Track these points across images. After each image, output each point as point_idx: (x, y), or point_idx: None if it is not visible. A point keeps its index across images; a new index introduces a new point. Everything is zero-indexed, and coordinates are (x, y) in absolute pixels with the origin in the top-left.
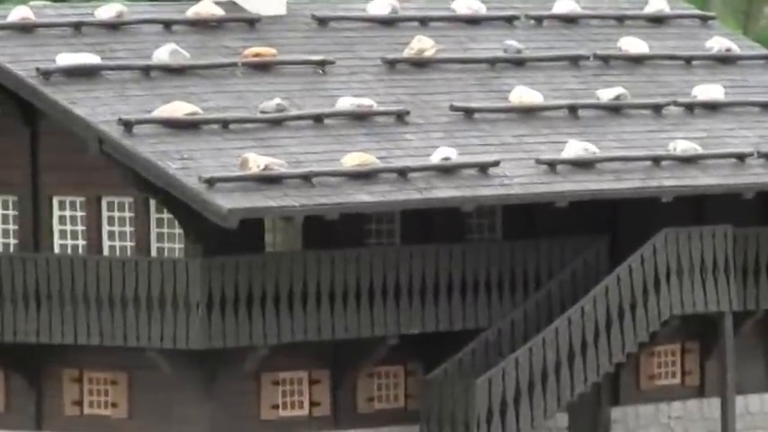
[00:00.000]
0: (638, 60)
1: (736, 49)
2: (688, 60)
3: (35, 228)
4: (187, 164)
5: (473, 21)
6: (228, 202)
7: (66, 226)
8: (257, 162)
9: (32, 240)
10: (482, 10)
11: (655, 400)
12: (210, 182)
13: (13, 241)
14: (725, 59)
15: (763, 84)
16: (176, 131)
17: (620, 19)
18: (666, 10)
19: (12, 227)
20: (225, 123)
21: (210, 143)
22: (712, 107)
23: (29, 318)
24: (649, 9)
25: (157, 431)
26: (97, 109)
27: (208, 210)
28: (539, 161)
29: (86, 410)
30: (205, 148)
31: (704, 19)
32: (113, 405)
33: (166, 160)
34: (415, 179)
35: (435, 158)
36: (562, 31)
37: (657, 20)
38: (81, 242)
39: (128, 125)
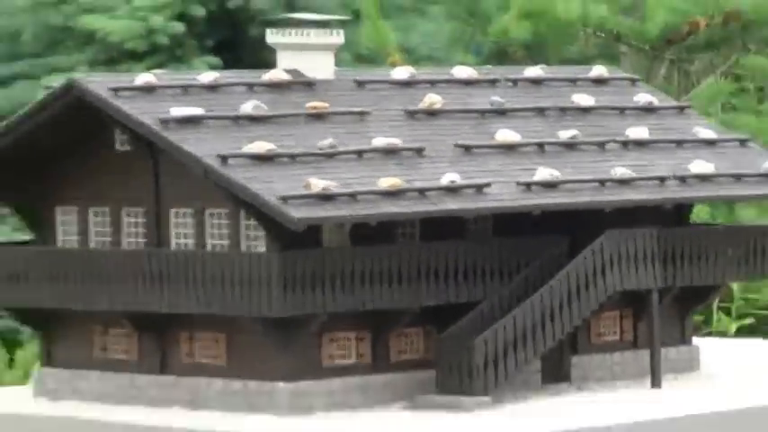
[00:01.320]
0: (586, 110)
1: (655, 102)
2: (622, 110)
3: (158, 231)
4: (267, 185)
5: (468, 82)
6: (297, 213)
7: (180, 229)
8: (317, 185)
9: (156, 240)
10: (474, 75)
11: (602, 351)
12: (284, 199)
13: (142, 240)
14: (648, 109)
15: (675, 126)
16: (259, 163)
17: (573, 81)
18: (605, 74)
19: (141, 230)
20: (293, 157)
21: (283, 171)
22: (641, 143)
23: (155, 295)
24: (593, 73)
25: (247, 375)
26: (201, 147)
27: (283, 218)
28: (518, 183)
29: (196, 360)
30: (280, 174)
31: (632, 80)
32: (215, 357)
33: (253, 183)
34: (430, 196)
35: (444, 181)
36: (531, 89)
37: (599, 81)
38: (191, 240)
39: (224, 159)
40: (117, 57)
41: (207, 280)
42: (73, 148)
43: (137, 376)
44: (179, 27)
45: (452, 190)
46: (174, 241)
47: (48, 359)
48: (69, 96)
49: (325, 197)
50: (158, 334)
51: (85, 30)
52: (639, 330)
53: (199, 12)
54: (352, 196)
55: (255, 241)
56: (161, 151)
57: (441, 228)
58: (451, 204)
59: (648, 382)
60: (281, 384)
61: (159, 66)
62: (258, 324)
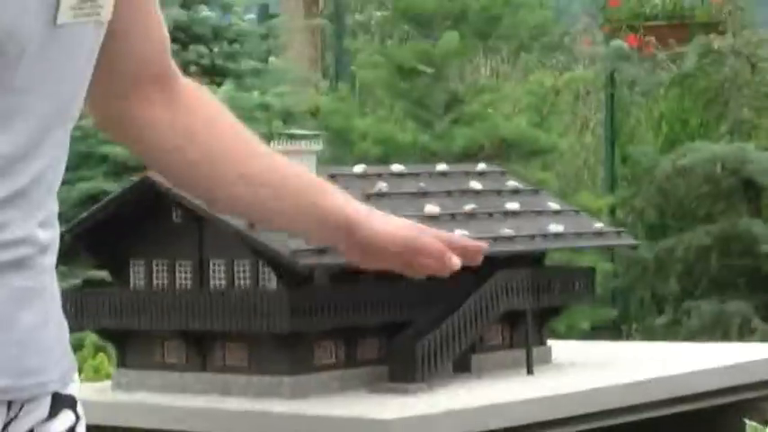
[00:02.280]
0: (478, 192)
1: (520, 186)
2: (499, 192)
3: (201, 276)
4: (281, 243)
5: (400, 174)
6: (303, 261)
7: (216, 275)
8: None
9: (200, 282)
10: (404, 170)
11: (490, 351)
12: (294, 252)
13: (190, 282)
14: (515, 191)
15: (534, 202)
16: (272, 230)
17: (467, 173)
18: (486, 168)
19: (189, 275)
20: None
21: (283, 234)
22: (515, 213)
23: (198, 319)
24: (479, 167)
25: (261, 372)
26: (235, 219)
27: (294, 265)
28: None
29: (227, 363)
30: (287, 235)
31: (502, 172)
32: (240, 360)
33: (272, 242)
34: None
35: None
36: (442, 179)
37: (483, 173)
38: (224, 282)
39: (251, 226)
40: (122, 169)
41: (235, 308)
42: (143, 219)
43: (185, 374)
44: None
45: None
46: (212, 283)
47: (122, 363)
48: (144, 185)
49: (320, 251)
50: (200, 346)
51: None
52: (514, 337)
53: None
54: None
55: (269, 282)
56: (203, 222)
57: (391, 271)
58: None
59: (523, 371)
60: (285, 378)
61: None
62: (271, 337)
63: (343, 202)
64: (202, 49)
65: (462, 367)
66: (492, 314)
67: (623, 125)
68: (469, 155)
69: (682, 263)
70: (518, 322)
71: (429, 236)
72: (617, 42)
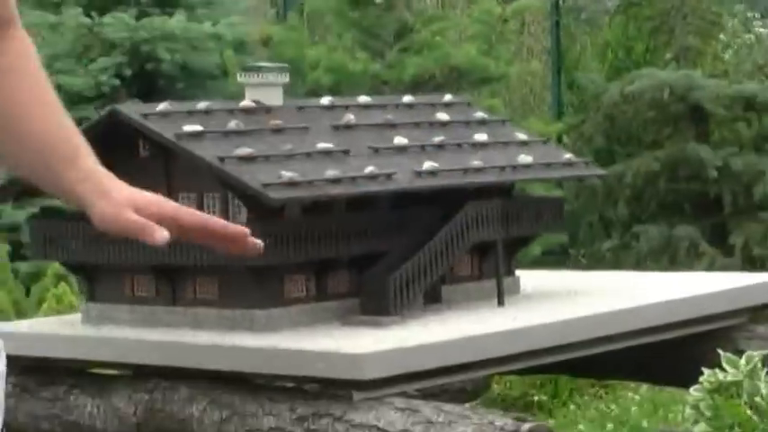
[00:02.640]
0: (445, 123)
1: (486, 117)
2: (467, 123)
3: None
4: (252, 177)
5: (368, 106)
6: (275, 195)
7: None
8: (286, 176)
9: None
10: (371, 101)
11: (459, 282)
12: (265, 185)
13: None
14: (482, 121)
15: (502, 133)
16: (245, 162)
17: (433, 104)
18: (452, 99)
19: None
20: (267, 158)
21: (261, 167)
22: (484, 145)
23: (168, 252)
24: (445, 99)
25: (233, 306)
26: (205, 152)
27: (265, 199)
28: (414, 172)
29: (198, 296)
30: (259, 169)
31: (468, 103)
32: (211, 294)
33: (243, 175)
34: (359, 182)
35: (367, 171)
36: (409, 110)
37: (449, 104)
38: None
39: (221, 159)
40: (77, 99)
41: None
42: (109, 153)
43: (155, 308)
44: (115, 81)
45: (372, 177)
46: None
47: (91, 297)
48: (112, 119)
49: (291, 184)
50: (170, 279)
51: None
52: (483, 268)
53: (128, 71)
54: (309, 183)
55: (239, 216)
56: (171, 156)
57: (362, 204)
58: (373, 187)
59: (494, 302)
60: (257, 312)
61: (104, 106)
62: (243, 270)
63: (82, 176)
64: None
65: (433, 299)
66: (463, 245)
67: (569, 53)
68: (420, 83)
69: (630, 188)
70: (488, 253)
71: (152, 211)
72: None
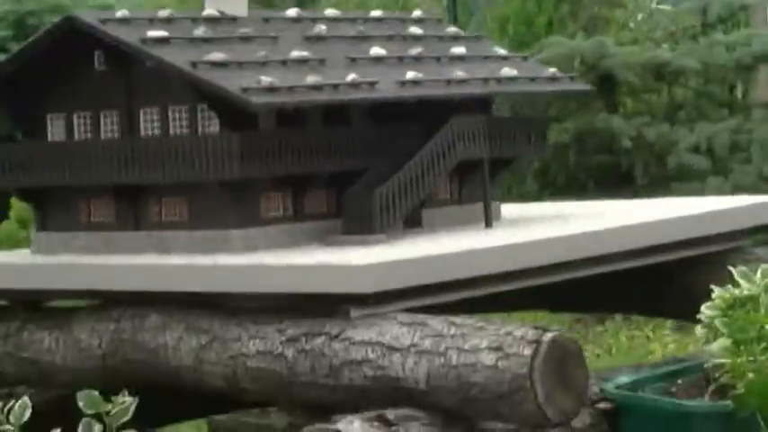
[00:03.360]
0: (418, 37)
1: (461, 33)
2: (441, 37)
3: (131, 126)
4: (229, 82)
5: (337, 19)
6: (257, 99)
7: (148, 123)
8: (266, 81)
9: (129, 133)
10: (339, 14)
11: (439, 206)
12: (244, 90)
13: (118, 135)
14: (456, 37)
15: (478, 47)
16: (218, 68)
17: (403, 20)
18: (422, 15)
19: (116, 127)
20: (240, 64)
21: (237, 73)
22: (462, 58)
23: (128, 171)
24: (415, 14)
25: (206, 227)
26: (174, 58)
27: (246, 104)
28: (397, 81)
29: (164, 219)
30: (235, 75)
31: (438, 20)
32: (179, 215)
33: (219, 81)
34: (341, 89)
35: (348, 79)
36: (379, 24)
37: (420, 20)
38: (157, 131)
39: (194, 65)
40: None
41: (173, 156)
42: (60, 68)
43: (115, 233)
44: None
45: (354, 85)
46: (143, 132)
47: (43, 225)
48: (67, 27)
49: (271, 89)
50: (131, 201)
51: None
52: (463, 191)
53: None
54: (291, 89)
55: (210, 128)
56: (131, 67)
57: (339, 117)
58: (357, 95)
59: (478, 226)
60: (234, 231)
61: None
62: (216, 187)
63: None
64: None
65: (413, 222)
66: (449, 162)
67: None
68: None
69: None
70: (467, 176)
71: None
72: None
